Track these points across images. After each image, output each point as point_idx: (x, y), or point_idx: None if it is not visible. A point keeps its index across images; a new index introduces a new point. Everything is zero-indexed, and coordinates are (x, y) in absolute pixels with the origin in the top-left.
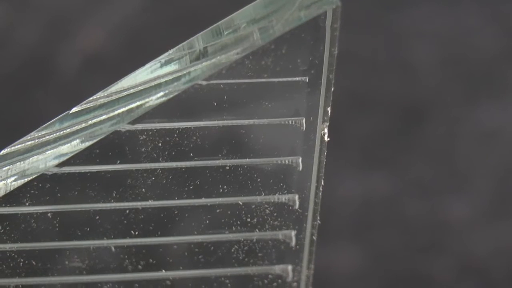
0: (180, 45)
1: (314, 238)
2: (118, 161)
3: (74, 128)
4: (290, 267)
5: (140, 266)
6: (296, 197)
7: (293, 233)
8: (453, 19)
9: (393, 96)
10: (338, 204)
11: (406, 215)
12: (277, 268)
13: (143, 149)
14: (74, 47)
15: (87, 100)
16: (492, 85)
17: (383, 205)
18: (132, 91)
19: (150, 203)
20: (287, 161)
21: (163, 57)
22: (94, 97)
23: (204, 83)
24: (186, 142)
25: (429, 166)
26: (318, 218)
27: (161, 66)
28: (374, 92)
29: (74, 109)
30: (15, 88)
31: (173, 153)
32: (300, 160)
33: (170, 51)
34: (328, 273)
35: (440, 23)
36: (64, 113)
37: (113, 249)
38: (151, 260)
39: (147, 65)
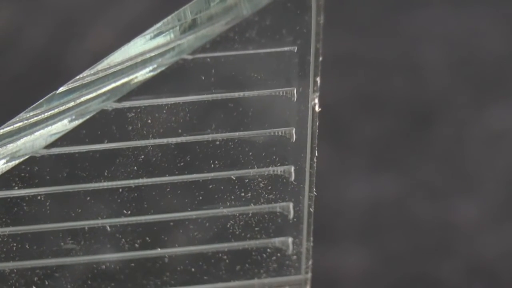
0: (169, 17)
1: (311, 210)
2: (106, 141)
3: (62, 108)
4: (290, 240)
5: (136, 245)
6: (292, 168)
7: (291, 205)
8: (462, 21)
9: (402, 98)
10: (347, 206)
11: (414, 217)
12: (277, 241)
13: (132, 127)
14: (83, 48)
15: (74, 79)
16: (501, 87)
17: (392, 207)
18: (119, 67)
19: (143, 180)
20: (280, 133)
21: (151, 31)
22: (81, 75)
23: (190, 57)
24: (175, 118)
25: (437, 168)
26: (314, 190)
27: (150, 39)
28: (382, 94)
29: (61, 89)
30: (25, 88)
31: (162, 130)
32: (293, 131)
33: (158, 24)
34: (336, 275)
35: (449, 25)
36: (51, 93)
37: (108, 228)
38: (147, 239)
39: (135, 40)
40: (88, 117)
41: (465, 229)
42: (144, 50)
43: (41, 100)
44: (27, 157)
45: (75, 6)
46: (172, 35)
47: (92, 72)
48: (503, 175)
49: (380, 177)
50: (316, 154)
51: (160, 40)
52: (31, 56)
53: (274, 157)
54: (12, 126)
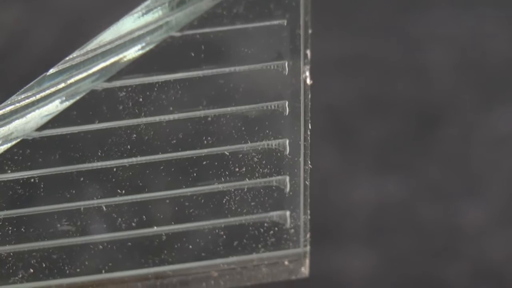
0: None
1: (307, 183)
2: (97, 121)
3: (53, 89)
4: (288, 213)
5: (133, 224)
6: (287, 142)
7: (287, 178)
8: (469, 23)
9: (408, 100)
10: (353, 208)
11: (420, 219)
12: (275, 215)
13: (123, 106)
14: None
15: (64, 60)
16: (508, 89)
17: (398, 209)
18: (108, 47)
19: (137, 159)
20: (273, 107)
21: (140, 9)
22: (71, 56)
23: (178, 34)
24: (166, 95)
25: (443, 170)
26: (309, 162)
27: (139, 18)
28: (389, 96)
29: (52, 71)
30: None
31: (153, 108)
32: (286, 104)
33: (147, 2)
34: (342, 277)
35: (456, 27)
36: (42, 75)
37: (104, 208)
38: (144, 217)
39: (124, 19)
40: (78, 98)
41: (471, 231)
42: (133, 29)
43: (31, 83)
44: (19, 140)
45: (82, 7)
46: (160, 13)
47: (82, 53)
48: (510, 177)
49: (386, 179)
50: (310, 127)
51: (149, 18)
52: (38, 57)
53: (267, 131)
54: (3, 110)
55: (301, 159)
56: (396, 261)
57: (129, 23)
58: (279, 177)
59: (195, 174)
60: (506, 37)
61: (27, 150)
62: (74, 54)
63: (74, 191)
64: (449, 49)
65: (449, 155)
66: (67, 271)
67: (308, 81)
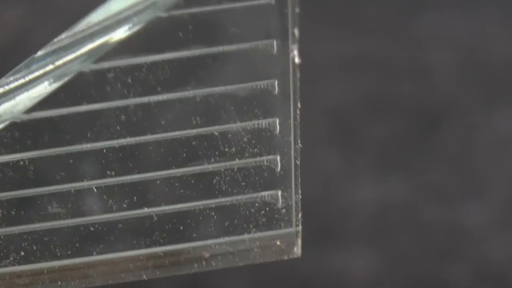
0: None
1: (298, 162)
2: (85, 103)
3: (41, 71)
4: (279, 193)
5: (124, 205)
6: (277, 121)
7: (278, 158)
8: (472, 24)
9: (411, 101)
10: (355, 209)
11: (423, 220)
12: (266, 195)
13: (111, 87)
14: None
15: (52, 42)
16: (510, 91)
17: (400, 210)
18: (96, 28)
19: (126, 140)
20: (262, 86)
21: None
22: (59, 37)
23: (165, 15)
24: (154, 76)
25: (446, 171)
26: (299, 142)
27: None
28: (391, 96)
29: (40, 52)
30: None
31: (141, 89)
32: (276, 83)
33: None
34: (344, 278)
35: (459, 28)
36: (30, 57)
37: (94, 190)
38: (134, 198)
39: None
40: (66, 79)
41: (474, 232)
42: (120, 9)
43: (20, 65)
44: (8, 123)
45: (85, 7)
46: None
47: (70, 34)
48: None
49: (388, 180)
50: (299, 106)
51: None
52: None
53: (256, 110)
54: None
55: (292, 138)
56: (399, 262)
57: (116, 4)
58: (270, 156)
59: (184, 155)
60: (509, 38)
61: (16, 133)
62: (63, 36)
63: (64, 173)
64: (452, 50)
65: (451, 156)
66: (59, 254)
67: (297, 60)
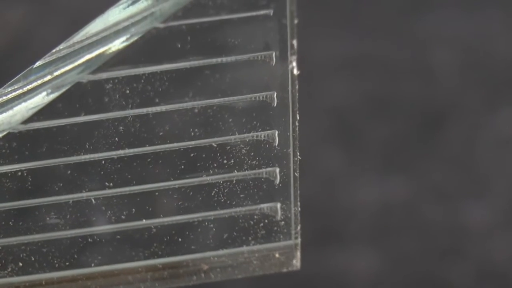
0: None
1: (297, 174)
2: (83, 113)
3: (39, 82)
4: (278, 205)
5: (123, 217)
6: (276, 133)
7: (277, 170)
8: (474, 24)
9: (413, 101)
10: (357, 209)
11: (425, 220)
12: (265, 207)
13: (110, 98)
14: None
15: (50, 53)
16: None
17: (402, 210)
18: (94, 39)
19: (125, 151)
20: (261, 97)
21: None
22: (58, 48)
23: (162, 26)
24: (152, 87)
25: (448, 172)
26: (298, 154)
27: (124, 9)
28: (394, 96)
29: (38, 63)
30: None
31: (139, 100)
32: (275, 95)
33: None
34: (346, 277)
35: (461, 28)
36: (28, 68)
37: (93, 201)
38: (133, 210)
39: (110, 10)
40: (64, 90)
41: (476, 231)
42: (118, 20)
43: (18, 76)
44: (5, 133)
45: (87, 6)
46: (145, 4)
47: (68, 45)
48: None
49: (391, 180)
50: (298, 118)
51: (134, 9)
52: (43, 56)
53: (255, 122)
54: None
55: (291, 150)
56: (401, 262)
57: (114, 15)
58: (269, 168)
59: (183, 167)
60: None
61: (13, 143)
62: (61, 46)
63: (62, 184)
64: (454, 50)
65: (454, 156)
66: (57, 265)
67: (295, 72)
